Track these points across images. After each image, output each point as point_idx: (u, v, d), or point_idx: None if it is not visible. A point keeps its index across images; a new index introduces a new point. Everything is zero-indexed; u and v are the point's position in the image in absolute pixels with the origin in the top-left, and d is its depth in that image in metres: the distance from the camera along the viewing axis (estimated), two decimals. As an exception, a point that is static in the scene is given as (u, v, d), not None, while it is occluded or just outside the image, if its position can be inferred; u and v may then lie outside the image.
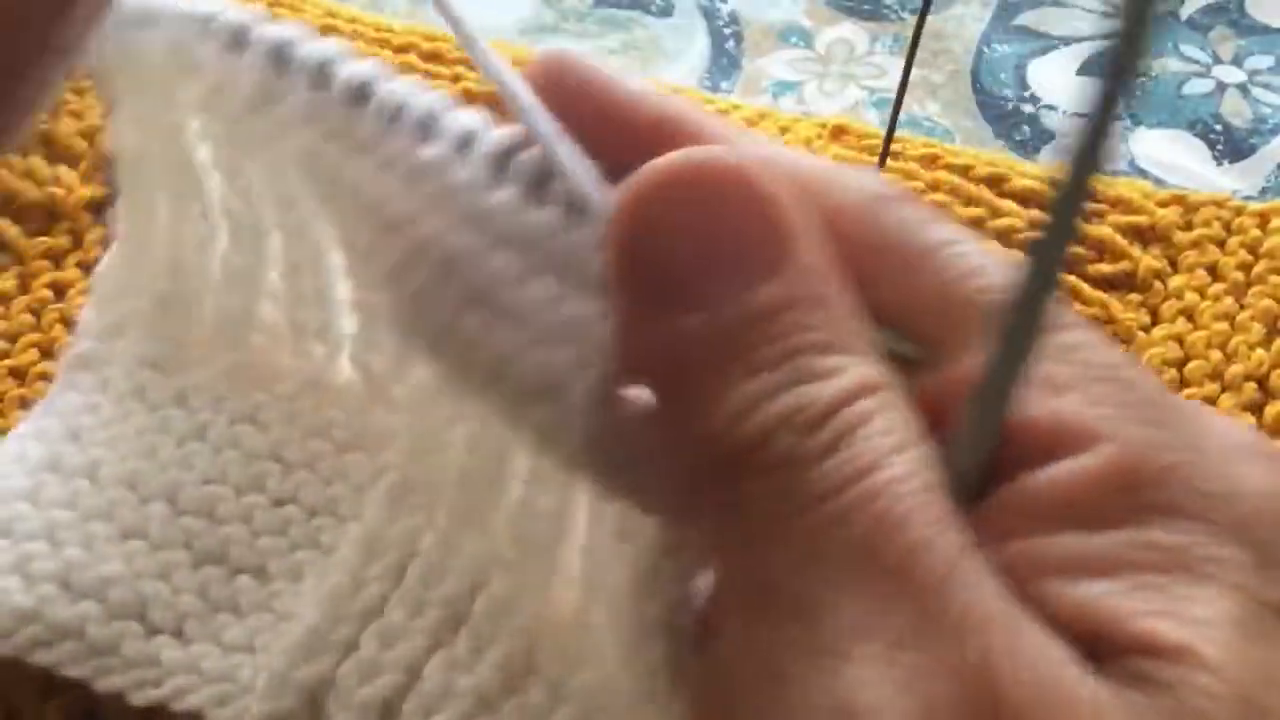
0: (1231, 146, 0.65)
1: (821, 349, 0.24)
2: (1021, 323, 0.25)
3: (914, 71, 0.68)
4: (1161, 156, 0.64)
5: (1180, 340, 0.54)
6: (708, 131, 0.28)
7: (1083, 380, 0.26)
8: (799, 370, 0.24)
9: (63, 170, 0.53)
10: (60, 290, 0.50)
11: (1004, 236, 0.56)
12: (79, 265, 0.51)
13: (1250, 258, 0.57)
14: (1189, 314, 0.55)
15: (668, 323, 0.25)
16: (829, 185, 0.27)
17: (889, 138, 0.54)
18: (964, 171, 0.58)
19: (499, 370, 0.26)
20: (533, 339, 0.26)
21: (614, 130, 0.28)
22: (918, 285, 0.26)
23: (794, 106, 0.66)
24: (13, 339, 0.49)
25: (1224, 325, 0.54)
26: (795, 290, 0.24)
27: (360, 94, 0.30)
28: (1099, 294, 0.55)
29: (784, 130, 0.61)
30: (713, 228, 0.25)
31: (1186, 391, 0.53)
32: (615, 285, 0.25)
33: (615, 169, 0.26)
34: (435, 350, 0.27)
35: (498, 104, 0.64)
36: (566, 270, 0.27)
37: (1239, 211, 0.58)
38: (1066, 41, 0.70)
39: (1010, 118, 0.66)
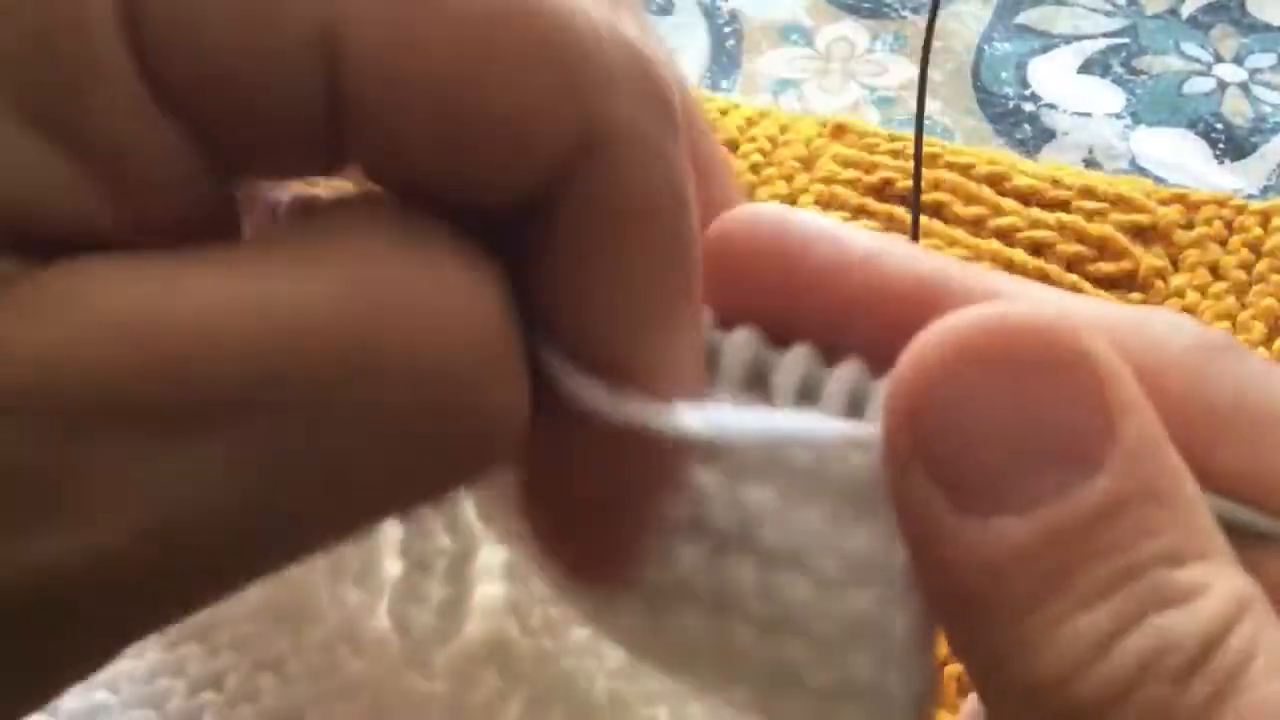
0: (1233, 145, 0.65)
1: (1173, 559, 0.19)
2: None
3: (915, 69, 0.68)
4: (1162, 155, 0.64)
5: (1181, 339, 0.54)
6: (980, 289, 0.22)
7: None
8: (1154, 592, 0.19)
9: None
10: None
11: (1005, 235, 0.56)
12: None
13: (1252, 256, 0.56)
14: (1190, 313, 0.55)
15: (974, 533, 0.20)
16: (1140, 335, 0.22)
17: (916, 198, 0.53)
18: (965, 170, 0.58)
19: (779, 626, 0.21)
20: (821, 583, 0.21)
21: (861, 306, 0.22)
22: (1270, 452, 0.21)
23: (794, 105, 0.66)
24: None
25: (1225, 324, 0.54)
26: (1130, 482, 0.20)
27: None
28: (1100, 293, 0.55)
29: (784, 128, 0.61)
30: (1025, 407, 0.20)
31: (1188, 391, 0.53)
32: (902, 490, 0.21)
33: (872, 352, 0.22)
34: (655, 617, 0.23)
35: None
36: (840, 496, 0.22)
37: (1240, 210, 0.58)
38: (1067, 40, 0.70)
39: (1011, 116, 0.66)
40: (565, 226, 0.20)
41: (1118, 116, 0.66)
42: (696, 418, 0.20)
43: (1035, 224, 0.57)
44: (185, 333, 0.17)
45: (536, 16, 0.19)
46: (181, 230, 0.18)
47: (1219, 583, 0.19)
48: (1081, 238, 0.56)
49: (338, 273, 0.18)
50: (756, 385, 0.22)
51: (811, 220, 0.23)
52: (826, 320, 0.22)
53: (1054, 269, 0.55)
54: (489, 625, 0.28)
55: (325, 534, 0.19)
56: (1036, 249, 0.56)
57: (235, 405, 0.17)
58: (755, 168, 0.59)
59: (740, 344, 0.22)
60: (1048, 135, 0.65)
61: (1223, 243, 0.57)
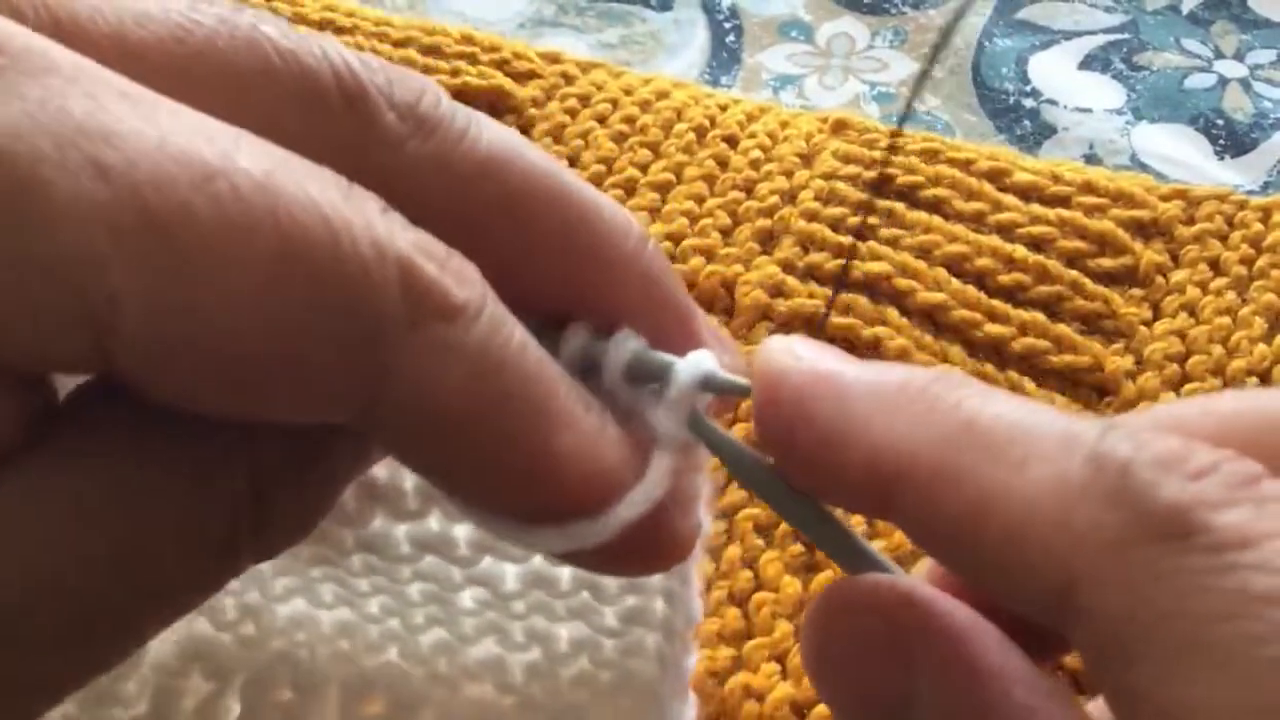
0: (1233, 141, 0.64)
1: None
2: None
3: (915, 65, 0.68)
4: (1163, 151, 0.64)
5: (1182, 335, 0.54)
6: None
7: None
8: None
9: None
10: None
11: (1005, 231, 0.56)
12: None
13: (1253, 252, 0.56)
14: (1191, 309, 0.55)
15: None
16: None
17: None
18: (965, 166, 0.58)
19: None
20: None
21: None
22: None
23: (794, 100, 0.66)
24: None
25: (1226, 320, 0.54)
26: None
27: None
28: (1101, 289, 0.55)
29: (784, 124, 0.61)
30: (842, 669, 0.25)
31: (1188, 387, 0.53)
32: None
33: None
34: None
35: (497, 99, 0.64)
36: None
37: (1241, 206, 0.58)
38: (1068, 36, 0.70)
39: (1011, 112, 0.66)
40: (390, 440, 0.22)
41: (1118, 112, 0.66)
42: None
43: (1036, 220, 0.57)
44: None
45: (317, 272, 0.20)
46: None
47: None
48: (1082, 233, 0.56)
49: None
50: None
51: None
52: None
53: (1055, 264, 0.55)
54: (180, 632, 0.30)
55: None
56: (1037, 245, 0.56)
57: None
58: (755, 163, 0.59)
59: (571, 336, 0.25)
60: (1048, 131, 0.65)
61: (1224, 238, 0.57)
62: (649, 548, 0.25)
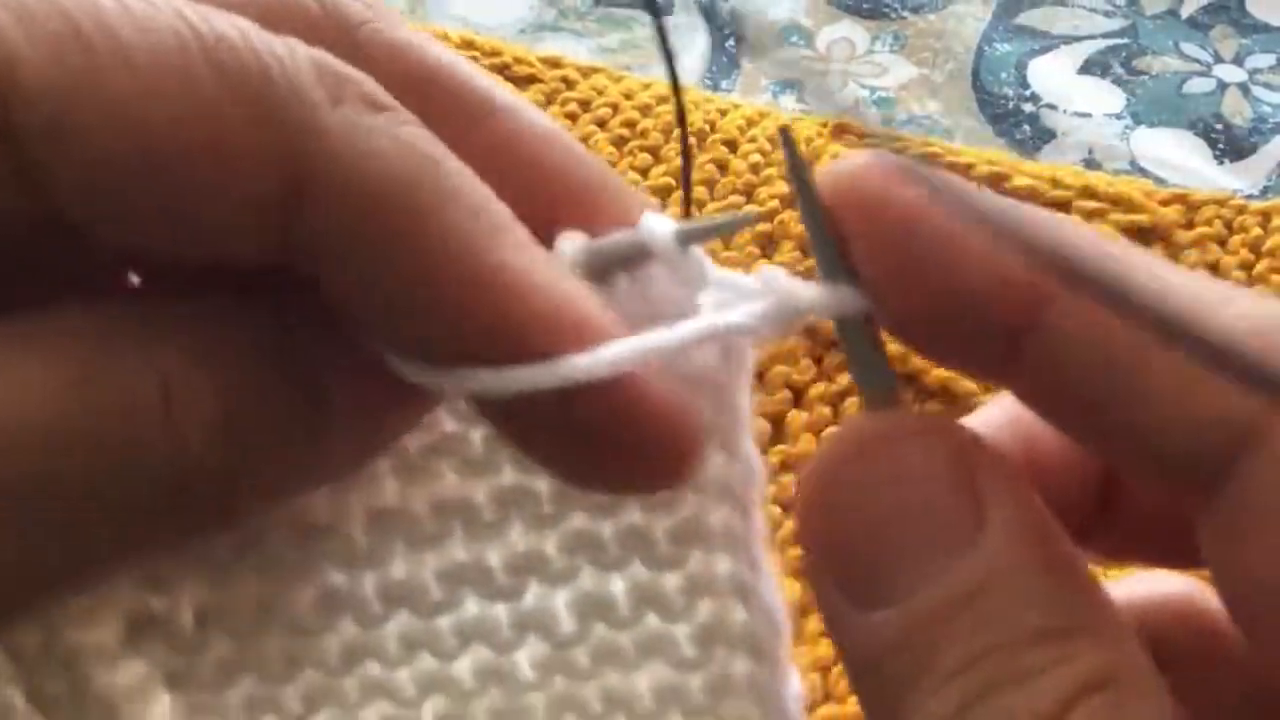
0: (1232, 145, 0.65)
1: (1031, 638, 0.20)
2: None
3: (915, 70, 0.68)
4: (1162, 155, 0.64)
5: (1182, 339, 0.54)
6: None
7: None
8: (998, 671, 0.20)
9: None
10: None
11: (1005, 235, 0.56)
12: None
13: (1252, 256, 0.56)
14: (1190, 313, 0.55)
15: (858, 628, 0.21)
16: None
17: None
18: (965, 170, 0.58)
19: None
20: None
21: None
22: None
23: (794, 105, 0.66)
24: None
25: (1225, 324, 0.54)
26: (1000, 562, 0.20)
27: None
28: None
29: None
30: (893, 505, 0.21)
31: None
32: (813, 583, 0.22)
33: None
34: None
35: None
36: None
37: (1241, 210, 0.58)
38: (1067, 40, 0.70)
39: (1011, 116, 0.66)
40: (326, 243, 0.21)
41: (1118, 117, 0.66)
42: (578, 363, 0.21)
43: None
44: None
45: (228, 53, 0.20)
46: None
47: (1067, 664, 0.19)
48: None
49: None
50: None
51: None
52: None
53: (1054, 269, 0.55)
54: None
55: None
56: (1036, 249, 0.56)
57: None
58: (755, 168, 0.59)
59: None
60: (1048, 136, 0.65)
61: (1223, 243, 0.57)
62: (644, 433, 0.21)
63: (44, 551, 0.20)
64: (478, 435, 0.25)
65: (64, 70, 0.19)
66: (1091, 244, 0.21)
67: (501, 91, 0.25)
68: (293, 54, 0.20)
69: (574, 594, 0.26)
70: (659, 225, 0.24)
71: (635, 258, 0.24)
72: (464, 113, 0.24)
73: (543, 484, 0.25)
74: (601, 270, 0.24)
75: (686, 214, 0.54)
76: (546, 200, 0.24)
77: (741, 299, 0.23)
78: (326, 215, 0.20)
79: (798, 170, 0.23)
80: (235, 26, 0.20)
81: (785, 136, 0.23)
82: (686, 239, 0.24)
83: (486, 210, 0.21)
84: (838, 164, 0.22)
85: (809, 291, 0.23)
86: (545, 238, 0.23)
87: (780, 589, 0.25)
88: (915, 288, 0.21)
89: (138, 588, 0.24)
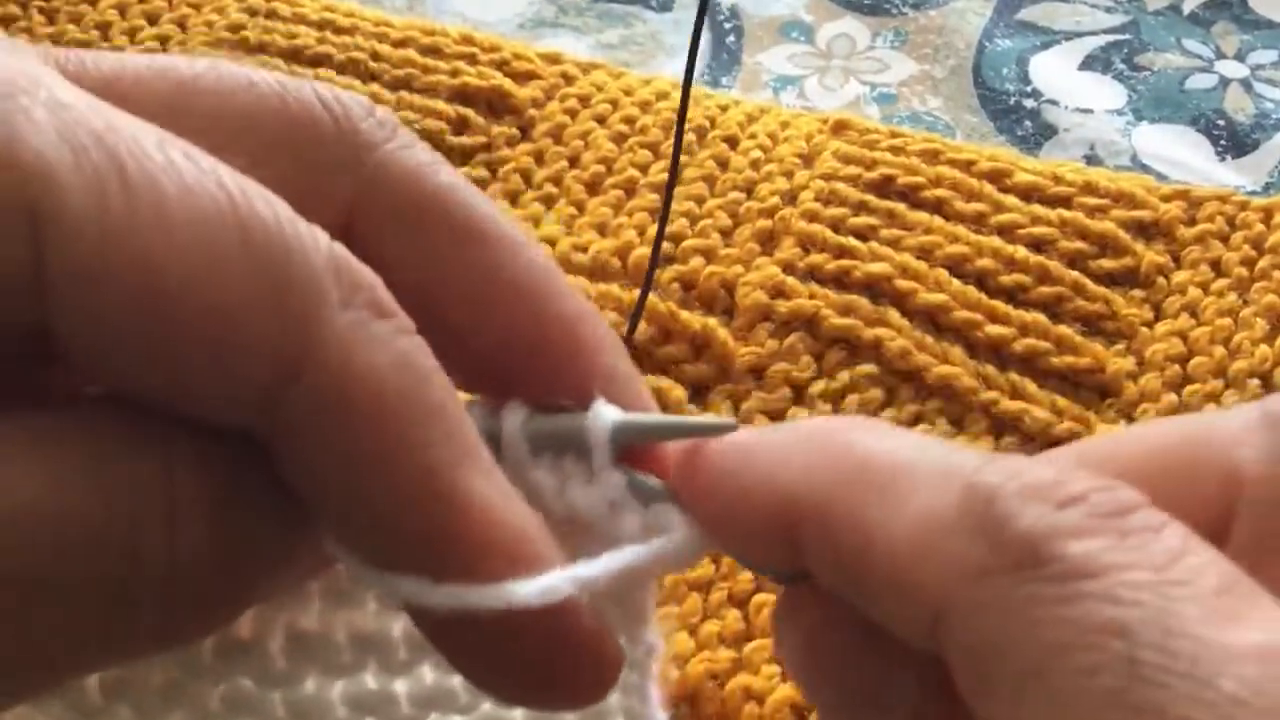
0: (1234, 142, 0.64)
1: None
2: None
3: (916, 66, 0.68)
4: (1164, 152, 0.64)
5: (1184, 336, 0.54)
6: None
7: None
8: None
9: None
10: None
11: (1006, 232, 0.56)
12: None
13: (1254, 253, 0.56)
14: (1192, 310, 0.55)
15: None
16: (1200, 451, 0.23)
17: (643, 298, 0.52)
18: (966, 167, 0.58)
19: None
20: None
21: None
22: None
23: (795, 101, 0.66)
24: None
25: (1227, 321, 0.54)
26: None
27: None
28: (1102, 290, 0.55)
29: (785, 125, 0.61)
30: (824, 662, 0.24)
31: (1189, 388, 0.52)
32: None
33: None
34: None
35: (497, 99, 0.64)
36: None
37: (1243, 206, 0.58)
38: (1069, 36, 0.70)
39: (1012, 113, 0.66)
40: (304, 433, 0.21)
41: (1119, 113, 0.66)
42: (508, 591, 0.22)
43: (1037, 220, 0.56)
44: None
45: (259, 231, 0.21)
46: None
47: None
48: (1083, 234, 0.56)
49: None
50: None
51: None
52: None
53: (1056, 265, 0.55)
54: None
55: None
56: (1038, 246, 0.56)
57: None
58: (756, 164, 0.59)
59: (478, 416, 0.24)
60: (1049, 132, 0.65)
61: (1225, 239, 0.57)
62: (569, 661, 0.23)
63: (35, 649, 0.20)
64: None
65: (104, 212, 0.20)
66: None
67: (502, 221, 0.25)
68: (316, 245, 0.21)
69: None
70: (600, 418, 0.24)
71: (575, 443, 0.24)
72: (460, 238, 0.25)
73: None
74: (539, 446, 0.25)
75: (665, 215, 0.54)
76: (521, 337, 0.25)
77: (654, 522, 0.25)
78: (312, 410, 0.21)
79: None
80: (270, 205, 0.21)
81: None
82: (626, 438, 0.24)
83: (461, 433, 0.22)
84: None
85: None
86: (514, 379, 0.25)
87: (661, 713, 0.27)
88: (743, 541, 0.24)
89: (64, 713, 0.24)
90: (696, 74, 0.67)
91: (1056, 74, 0.68)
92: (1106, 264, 0.56)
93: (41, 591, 0.20)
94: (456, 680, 0.26)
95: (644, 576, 0.25)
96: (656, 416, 0.26)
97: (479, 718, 0.27)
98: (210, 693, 0.25)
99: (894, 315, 0.53)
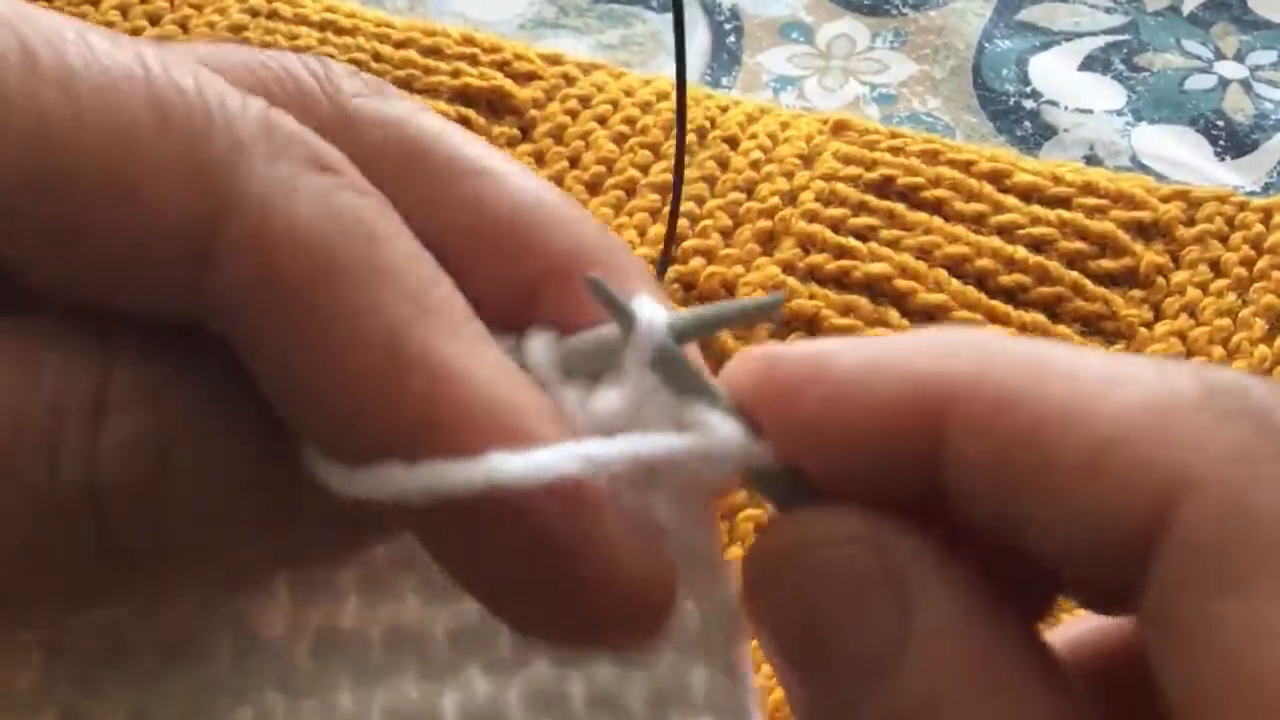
0: (1234, 142, 0.64)
1: None
2: None
3: (915, 66, 0.68)
4: (1163, 152, 0.64)
5: (1183, 336, 0.54)
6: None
7: None
8: None
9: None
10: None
11: (1006, 232, 0.56)
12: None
13: (1254, 253, 0.56)
14: (1191, 310, 0.55)
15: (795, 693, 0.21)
16: (1174, 430, 0.19)
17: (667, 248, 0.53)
18: (965, 167, 0.58)
19: None
20: None
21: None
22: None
23: (794, 102, 0.66)
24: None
25: (1226, 321, 0.54)
26: (917, 683, 0.19)
27: None
28: (1101, 290, 0.55)
29: (785, 126, 0.61)
30: (823, 621, 0.20)
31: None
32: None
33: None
34: None
35: (498, 100, 0.64)
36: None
37: (1242, 207, 0.58)
38: (1068, 36, 0.70)
39: (1012, 113, 0.66)
40: (233, 306, 0.19)
41: (1119, 113, 0.66)
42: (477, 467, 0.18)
43: (1036, 221, 0.57)
44: None
45: (174, 95, 0.19)
46: None
47: None
48: (1083, 235, 0.56)
49: None
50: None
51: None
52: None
53: (1055, 266, 0.55)
54: None
55: None
56: (1037, 246, 0.56)
57: None
58: (756, 164, 0.59)
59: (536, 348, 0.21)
60: (1049, 132, 0.65)
61: (1224, 239, 0.57)
62: (592, 574, 0.19)
63: None
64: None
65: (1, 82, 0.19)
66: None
67: (494, 156, 0.23)
68: (245, 107, 0.20)
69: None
70: (649, 314, 0.21)
71: (616, 354, 0.21)
72: (449, 176, 0.23)
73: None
74: (582, 368, 0.21)
75: (674, 217, 0.54)
76: (526, 267, 0.22)
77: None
78: (233, 273, 0.19)
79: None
80: (194, 76, 0.20)
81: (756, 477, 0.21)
82: (682, 334, 0.21)
83: (425, 294, 0.19)
84: (734, 379, 0.21)
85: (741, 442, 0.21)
86: (525, 309, 0.22)
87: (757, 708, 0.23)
88: (834, 453, 0.21)
89: (70, 687, 0.22)
90: (697, 75, 0.67)
91: (1056, 75, 0.68)
92: (1106, 264, 0.56)
93: None
94: (513, 693, 0.22)
95: (690, 489, 0.21)
96: (705, 307, 0.22)
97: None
98: (237, 715, 0.22)
99: (894, 315, 0.53)
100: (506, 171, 0.23)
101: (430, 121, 0.23)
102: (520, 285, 0.22)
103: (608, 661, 0.22)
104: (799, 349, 0.21)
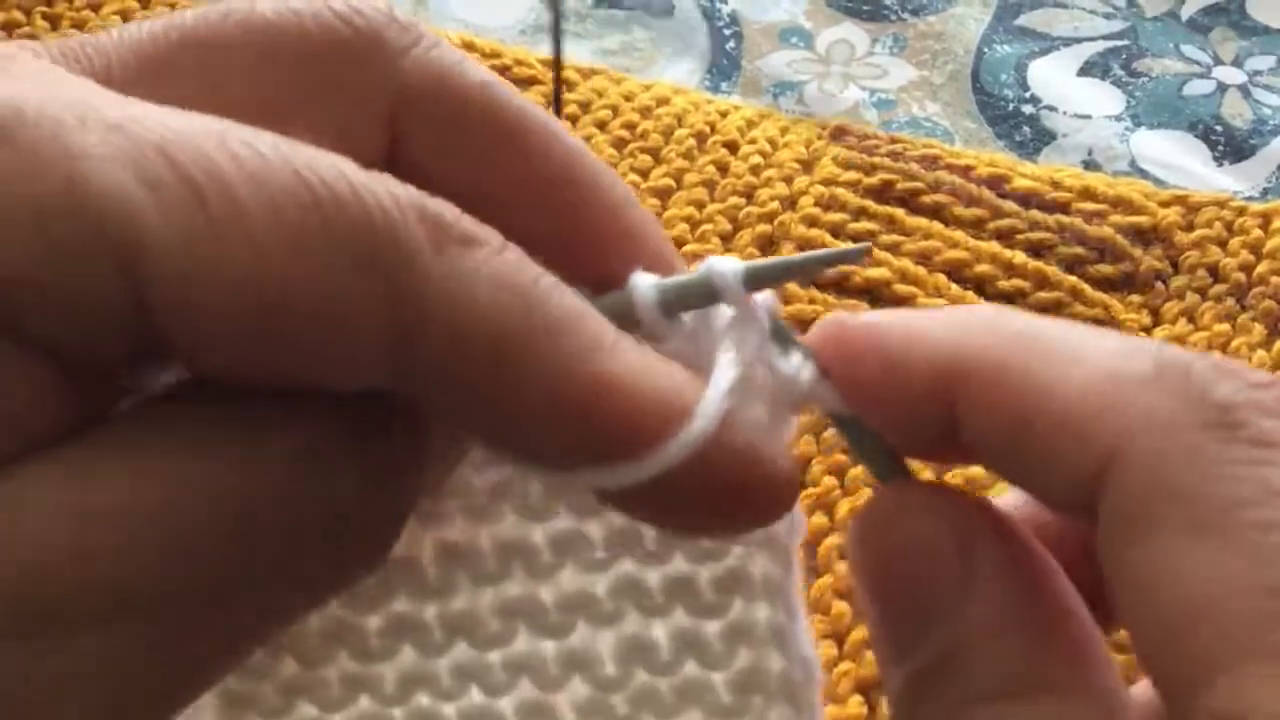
0: (1232, 147, 0.65)
1: (989, 696, 0.23)
2: None
3: (914, 72, 0.68)
4: (1162, 157, 0.64)
5: (1181, 341, 0.54)
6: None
7: None
8: None
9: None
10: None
11: (1005, 237, 0.56)
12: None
13: (1252, 258, 0.56)
14: (1190, 315, 0.55)
15: (886, 676, 0.24)
16: (1136, 404, 0.23)
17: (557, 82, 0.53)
18: (964, 172, 0.58)
19: None
20: None
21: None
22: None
23: (794, 107, 0.66)
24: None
25: (1225, 326, 0.54)
26: (975, 626, 0.23)
27: None
28: (1100, 295, 0.55)
29: (785, 130, 0.61)
30: (903, 574, 0.24)
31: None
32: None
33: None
34: None
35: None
36: None
37: (1241, 212, 0.58)
38: (1067, 42, 0.70)
39: (1011, 118, 0.66)
40: (429, 382, 0.22)
41: (1117, 119, 0.66)
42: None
43: (1035, 225, 0.57)
44: (21, 554, 0.19)
45: (334, 207, 0.20)
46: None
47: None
48: (1081, 239, 0.56)
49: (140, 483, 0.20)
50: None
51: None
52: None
53: (1054, 270, 0.55)
54: None
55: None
56: (1036, 251, 0.56)
57: (78, 612, 0.19)
58: (755, 169, 0.59)
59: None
60: (1047, 137, 0.65)
61: (1223, 244, 0.57)
62: (734, 484, 0.23)
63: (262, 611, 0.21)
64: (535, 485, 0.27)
65: (191, 239, 0.19)
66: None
67: (537, 113, 0.26)
68: (395, 199, 0.21)
69: (618, 637, 0.26)
70: (725, 265, 0.24)
71: (703, 298, 0.25)
72: (500, 135, 0.25)
73: (596, 529, 0.26)
74: (677, 307, 0.25)
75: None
76: (581, 219, 0.26)
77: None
78: (436, 368, 0.21)
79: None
80: (339, 173, 0.21)
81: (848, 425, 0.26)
82: (756, 281, 0.25)
83: (576, 324, 0.22)
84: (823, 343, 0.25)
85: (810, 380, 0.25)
86: (579, 255, 0.25)
87: (806, 630, 0.27)
88: (890, 412, 0.25)
89: None
90: (697, 79, 0.68)
91: (1055, 80, 0.68)
92: (1105, 269, 0.56)
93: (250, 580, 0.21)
94: (600, 585, 0.26)
95: (774, 407, 0.25)
96: (780, 258, 0.26)
97: (623, 625, 0.27)
98: (368, 623, 0.26)
99: (893, 320, 0.53)
100: (550, 125, 0.26)
101: (477, 75, 0.25)
102: (571, 233, 0.26)
103: (681, 554, 0.26)
104: (862, 320, 0.25)
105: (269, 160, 0.20)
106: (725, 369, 0.23)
